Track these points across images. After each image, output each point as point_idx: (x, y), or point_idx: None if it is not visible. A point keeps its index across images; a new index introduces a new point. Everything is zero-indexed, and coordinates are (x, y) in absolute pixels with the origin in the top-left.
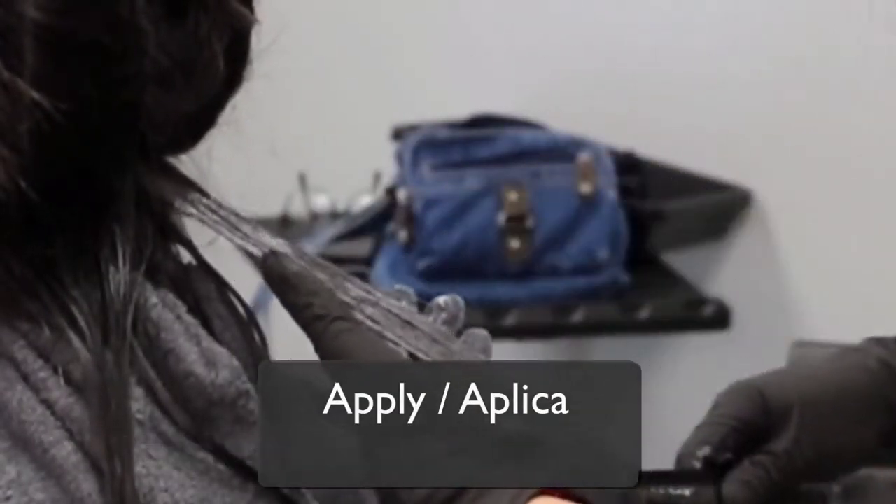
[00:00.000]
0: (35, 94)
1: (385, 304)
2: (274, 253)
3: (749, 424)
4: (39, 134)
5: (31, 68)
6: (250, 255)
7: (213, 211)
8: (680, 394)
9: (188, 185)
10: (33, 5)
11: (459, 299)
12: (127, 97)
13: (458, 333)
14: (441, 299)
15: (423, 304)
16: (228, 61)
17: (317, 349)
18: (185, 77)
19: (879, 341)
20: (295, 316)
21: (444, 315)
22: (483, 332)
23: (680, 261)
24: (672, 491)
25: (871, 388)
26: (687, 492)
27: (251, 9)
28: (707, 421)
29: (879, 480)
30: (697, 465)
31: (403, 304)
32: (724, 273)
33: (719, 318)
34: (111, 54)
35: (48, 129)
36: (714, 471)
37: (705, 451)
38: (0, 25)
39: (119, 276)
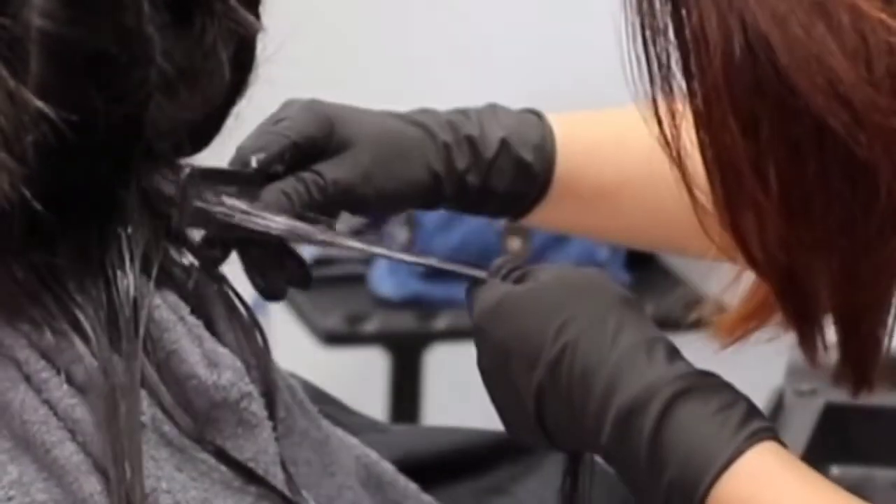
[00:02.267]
0: (40, 104)
1: None
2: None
3: (309, 142)
4: (44, 143)
5: (37, 77)
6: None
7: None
8: None
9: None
10: (39, 14)
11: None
12: (133, 106)
13: None
14: None
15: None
16: (234, 69)
17: None
18: (191, 85)
19: (451, 125)
20: None
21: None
22: None
23: (680, 261)
24: (218, 190)
25: (423, 162)
26: (231, 190)
27: (257, 16)
28: (268, 129)
29: (879, 480)
30: (249, 169)
31: None
32: (723, 273)
33: None
34: (117, 63)
35: (53, 139)
36: (261, 177)
37: (259, 157)
38: (6, 34)
39: (127, 280)
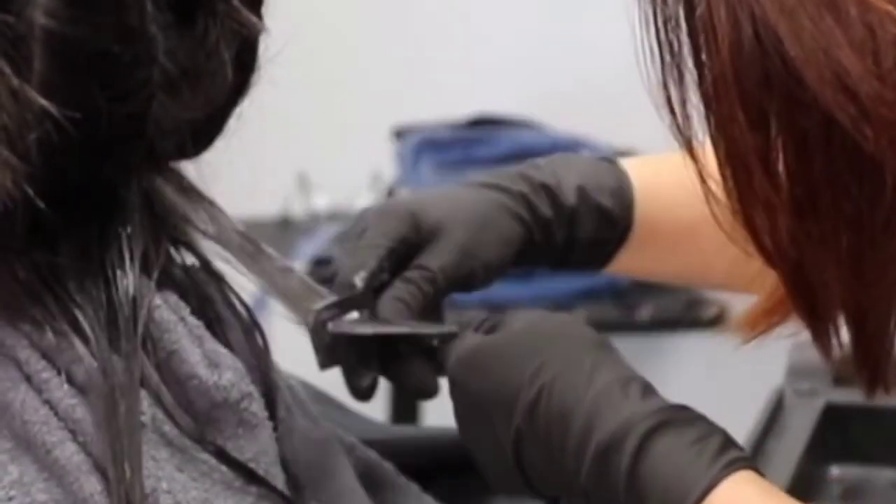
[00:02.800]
0: (43, 102)
1: None
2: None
3: (402, 243)
4: (47, 142)
5: (40, 75)
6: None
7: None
8: (680, 394)
9: (194, 192)
10: (43, 12)
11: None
12: (135, 105)
13: None
14: None
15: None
16: (237, 69)
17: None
18: (194, 85)
19: (523, 176)
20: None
21: None
22: None
23: None
24: (343, 318)
25: (511, 215)
26: (354, 314)
27: (259, 16)
28: (357, 245)
29: (879, 480)
30: (356, 289)
31: None
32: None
33: (719, 318)
34: (120, 62)
35: (56, 137)
36: (373, 294)
37: (362, 275)
38: (9, 33)
39: (127, 280)
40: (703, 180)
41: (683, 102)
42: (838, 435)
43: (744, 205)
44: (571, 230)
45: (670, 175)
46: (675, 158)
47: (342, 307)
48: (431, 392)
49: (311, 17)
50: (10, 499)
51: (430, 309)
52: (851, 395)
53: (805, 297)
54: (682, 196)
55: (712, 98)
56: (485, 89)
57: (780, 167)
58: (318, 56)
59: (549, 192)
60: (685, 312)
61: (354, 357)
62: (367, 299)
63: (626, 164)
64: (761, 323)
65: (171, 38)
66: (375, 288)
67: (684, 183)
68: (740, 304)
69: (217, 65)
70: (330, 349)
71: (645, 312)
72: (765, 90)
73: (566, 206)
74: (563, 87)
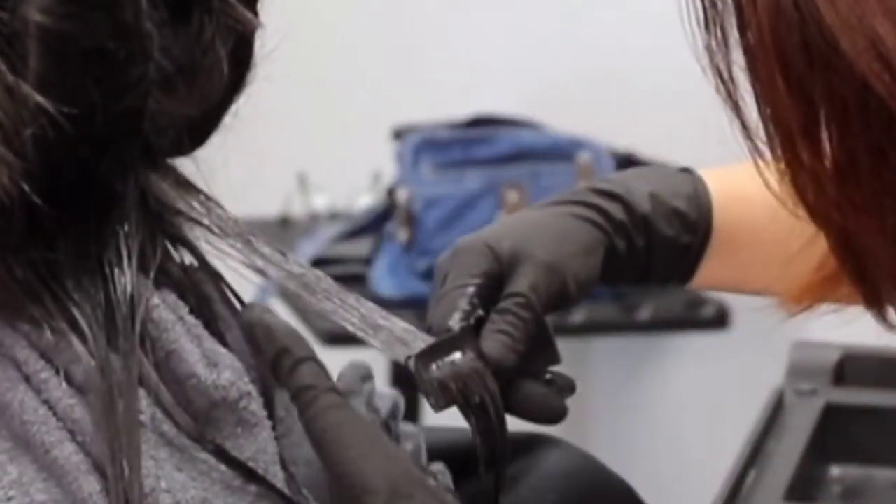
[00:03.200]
0: (39, 98)
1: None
2: (259, 307)
3: (488, 276)
4: (43, 138)
5: (36, 72)
6: (257, 269)
7: (219, 225)
8: (680, 394)
9: (191, 189)
10: (37, 9)
11: (400, 398)
12: (131, 101)
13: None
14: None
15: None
16: (232, 65)
17: (301, 420)
18: (189, 81)
19: (592, 189)
20: (279, 379)
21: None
22: (394, 396)
23: None
24: (446, 359)
25: (588, 222)
26: (457, 355)
27: (255, 13)
28: (442, 291)
29: (879, 480)
30: (453, 332)
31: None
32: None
33: (719, 318)
34: (115, 59)
35: (52, 134)
36: (472, 332)
37: (455, 319)
38: (4, 29)
39: (125, 279)
40: (748, 138)
41: (729, 66)
42: (838, 435)
43: (790, 170)
44: (650, 235)
45: (747, 179)
46: (749, 166)
47: (443, 349)
48: (560, 416)
49: (311, 16)
50: (10, 499)
51: (536, 334)
52: (851, 395)
53: (853, 264)
54: (759, 203)
55: (752, 62)
56: (485, 89)
57: (822, 135)
58: (317, 55)
59: (620, 199)
60: (685, 312)
61: (469, 397)
62: (466, 339)
63: (702, 172)
64: (809, 296)
65: (167, 35)
66: (474, 326)
67: (762, 191)
68: (740, 304)
69: (213, 61)
70: (442, 390)
71: (645, 312)
72: (804, 57)
73: (639, 211)
74: (563, 87)
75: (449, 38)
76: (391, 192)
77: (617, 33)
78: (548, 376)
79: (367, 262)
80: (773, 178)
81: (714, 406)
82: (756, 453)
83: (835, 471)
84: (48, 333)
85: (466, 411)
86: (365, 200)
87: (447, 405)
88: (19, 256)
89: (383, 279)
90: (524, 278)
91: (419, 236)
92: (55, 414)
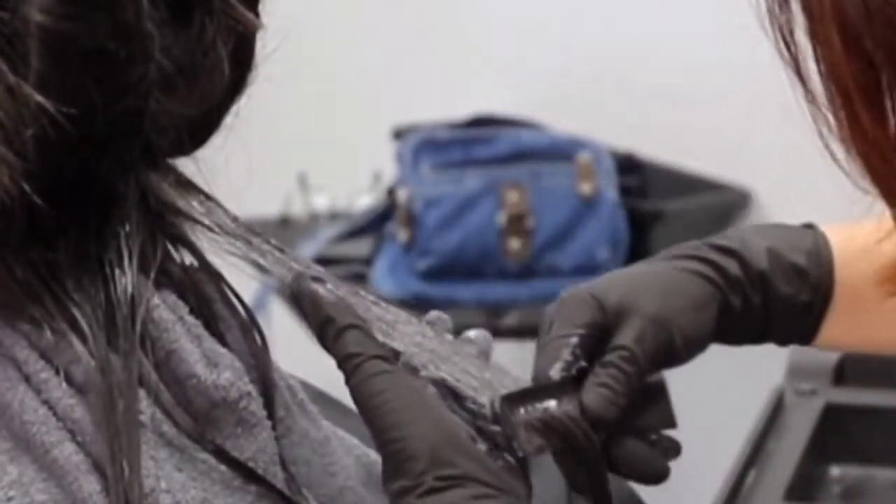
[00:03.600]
0: (40, 98)
1: (419, 338)
2: (309, 277)
3: (592, 327)
4: (44, 138)
5: (37, 72)
6: (258, 266)
7: (219, 224)
8: (680, 394)
9: (192, 189)
10: (38, 9)
11: (489, 336)
12: (132, 102)
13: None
14: (472, 333)
15: (457, 332)
16: (233, 66)
17: (348, 387)
18: (190, 82)
19: (706, 244)
20: (326, 348)
21: (473, 349)
22: (503, 367)
23: None
24: (539, 405)
25: (700, 277)
26: (552, 403)
27: (256, 13)
28: (549, 338)
29: (879, 480)
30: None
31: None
32: None
33: None
34: (116, 59)
35: (53, 134)
36: (573, 382)
37: (557, 368)
38: (6, 29)
39: (125, 279)
40: (811, 102)
41: (791, 28)
42: (838, 435)
43: (852, 136)
44: (767, 292)
45: (873, 236)
46: (868, 223)
47: (536, 395)
48: (661, 478)
49: (311, 17)
50: (10, 499)
51: (646, 390)
52: (851, 395)
53: None
54: (888, 257)
55: (811, 22)
56: (485, 89)
57: (886, 103)
58: (318, 56)
59: (736, 254)
60: None
61: (561, 445)
62: (566, 389)
63: (823, 227)
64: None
65: (168, 35)
66: (576, 378)
67: (891, 245)
68: None
69: (213, 62)
70: (532, 433)
71: None
72: (865, 20)
73: (756, 266)
74: (563, 87)
75: (449, 38)
76: (391, 192)
77: (617, 33)
78: (653, 437)
79: (367, 262)
80: (839, 151)
81: (714, 406)
82: (756, 453)
83: (835, 471)
84: (48, 333)
85: (560, 459)
86: (365, 200)
87: (538, 450)
88: (20, 256)
89: (383, 279)
90: (629, 331)
91: (419, 236)
92: (55, 414)
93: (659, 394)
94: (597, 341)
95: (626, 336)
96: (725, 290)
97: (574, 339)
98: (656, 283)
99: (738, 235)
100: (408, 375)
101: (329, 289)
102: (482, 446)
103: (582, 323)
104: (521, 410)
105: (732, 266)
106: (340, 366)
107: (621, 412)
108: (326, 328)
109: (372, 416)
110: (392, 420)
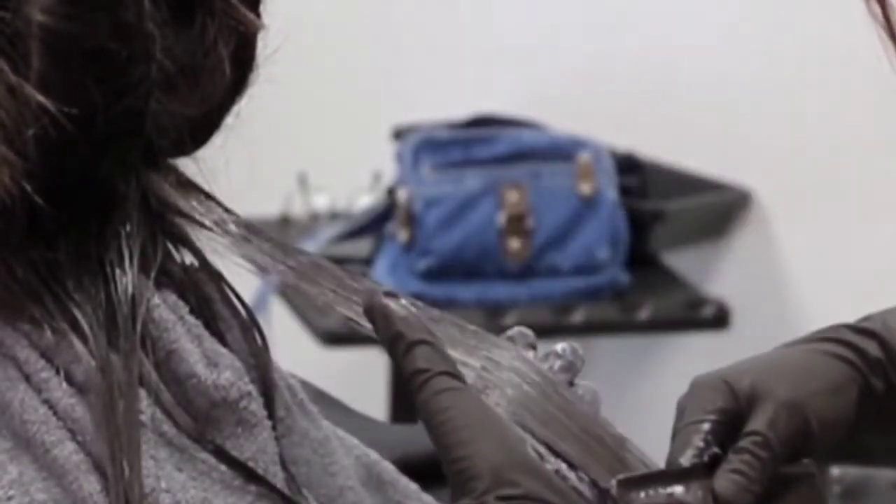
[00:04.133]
0: (41, 98)
1: (497, 356)
2: (385, 293)
3: (725, 413)
4: (45, 138)
5: (38, 72)
6: (259, 266)
7: (220, 224)
8: (680, 394)
9: (192, 189)
10: (40, 9)
11: (578, 349)
12: (133, 102)
13: (570, 384)
14: (559, 347)
15: (534, 345)
16: (234, 66)
17: (415, 403)
18: (191, 82)
19: (844, 325)
20: (396, 363)
21: (560, 362)
22: (592, 386)
23: (680, 261)
24: (662, 490)
25: (837, 358)
26: (679, 489)
27: (258, 14)
28: (680, 425)
29: (879, 480)
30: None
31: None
32: (723, 273)
33: (719, 318)
34: (117, 59)
35: (54, 134)
36: (704, 469)
37: (688, 455)
38: (7, 29)
39: (126, 279)
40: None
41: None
42: None
43: None
44: None
45: None
46: None
47: (660, 480)
48: None
49: (311, 16)
50: (10, 498)
51: (782, 478)
52: None
53: None
54: None
55: None
56: (485, 89)
57: None
58: (318, 56)
59: (876, 336)
60: (685, 312)
61: None
62: (696, 475)
63: None
64: None
65: (169, 36)
66: (707, 465)
67: None
68: (740, 304)
69: (215, 62)
70: None
71: (645, 312)
72: None
73: None
74: (563, 87)
75: (449, 39)
76: (391, 192)
77: (618, 34)
78: None
79: (367, 262)
80: None
81: None
82: None
83: (835, 471)
84: (49, 333)
85: None
86: (365, 200)
87: None
88: (20, 256)
89: (383, 279)
90: (762, 416)
91: (419, 236)
92: (55, 413)
93: (806, 484)
94: (730, 428)
95: (759, 421)
96: (866, 372)
97: (706, 426)
98: (790, 366)
99: (879, 317)
100: (476, 393)
101: (402, 304)
102: (550, 465)
103: (714, 409)
104: (642, 494)
105: (872, 347)
106: (408, 381)
107: (756, 501)
108: (396, 343)
109: (436, 434)
110: (456, 438)
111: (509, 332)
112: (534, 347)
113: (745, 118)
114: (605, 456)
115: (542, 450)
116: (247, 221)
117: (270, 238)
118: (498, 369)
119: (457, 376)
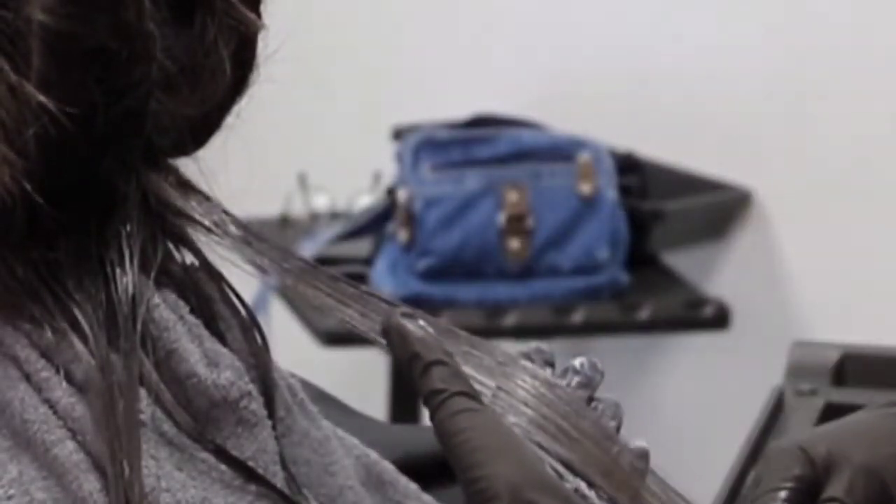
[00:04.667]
0: (42, 98)
1: (514, 377)
2: (403, 313)
3: (802, 481)
4: (46, 138)
5: (38, 72)
6: (258, 266)
7: (219, 224)
8: (680, 394)
9: (192, 189)
10: (40, 9)
11: (597, 363)
12: (133, 101)
13: (590, 399)
14: (577, 362)
15: (551, 362)
16: (235, 66)
17: (433, 424)
18: (191, 82)
19: None
20: (414, 384)
21: (578, 378)
22: (614, 399)
23: (680, 261)
24: None
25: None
26: None
27: (258, 13)
28: (757, 493)
29: None
30: None
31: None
32: (723, 273)
33: (719, 318)
34: (118, 59)
35: (54, 133)
36: None
37: None
38: (7, 29)
39: (126, 278)
40: None
41: None
42: None
43: None
44: None
45: None
46: None
47: None
48: None
49: (311, 16)
50: (10, 497)
51: None
52: (851, 395)
53: None
54: None
55: None
56: (485, 89)
57: None
58: (318, 56)
59: None
60: (685, 312)
61: None
62: None
63: None
64: None
65: (169, 35)
66: None
67: None
68: (740, 304)
69: (215, 62)
70: None
71: (645, 312)
72: None
73: None
74: (563, 87)
75: (449, 39)
76: (391, 192)
77: (618, 34)
78: None
79: (367, 262)
80: None
81: (714, 406)
82: (756, 453)
83: None
84: (49, 333)
85: None
86: (365, 200)
87: None
88: (20, 256)
89: (383, 279)
90: (840, 482)
91: (419, 236)
92: (55, 413)
93: None
94: (807, 496)
95: (836, 488)
96: None
97: (783, 493)
98: (866, 431)
99: None
100: (493, 413)
101: (420, 325)
102: (570, 484)
103: (791, 476)
104: None
105: None
106: (425, 402)
107: None
108: (413, 364)
109: (454, 455)
110: (473, 459)
111: (525, 350)
112: (551, 365)
113: (745, 118)
114: (623, 476)
115: (561, 468)
116: (245, 223)
117: (268, 241)
118: (515, 388)
119: (474, 396)
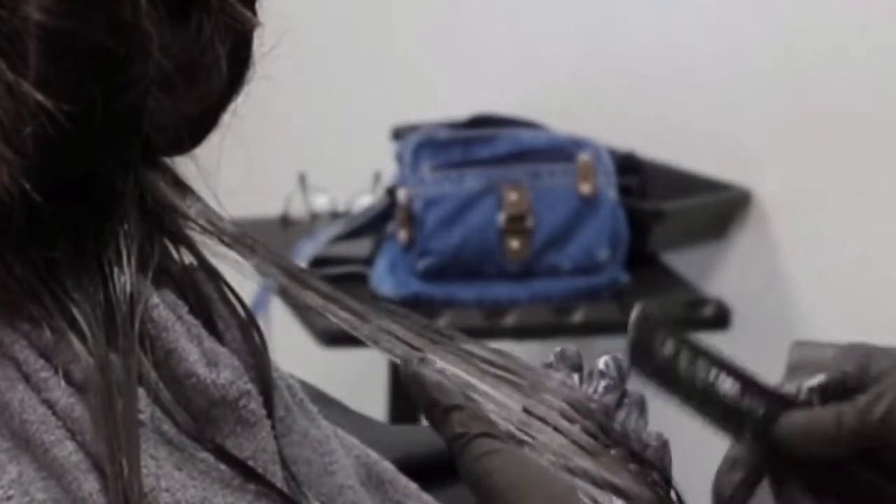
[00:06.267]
0: (39, 96)
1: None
2: (419, 359)
3: (851, 378)
4: (43, 136)
5: (35, 70)
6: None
7: (212, 224)
8: None
9: (186, 189)
10: (37, 7)
11: (621, 360)
12: (130, 99)
13: (620, 399)
14: (602, 362)
15: (578, 365)
16: (231, 64)
17: (458, 469)
18: (188, 80)
19: None
20: (435, 429)
21: (604, 382)
22: (640, 394)
23: (680, 261)
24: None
25: None
26: (761, 411)
27: (254, 11)
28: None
29: None
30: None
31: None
32: (723, 273)
33: (719, 318)
34: (114, 57)
35: (52, 132)
36: (785, 401)
37: (811, 385)
38: (4, 28)
39: (125, 278)
40: None
41: None
42: None
43: None
44: None
45: None
46: None
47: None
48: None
49: (311, 16)
50: (9, 498)
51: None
52: None
53: None
54: None
55: None
56: (485, 89)
57: None
58: (317, 55)
59: None
60: (685, 312)
61: None
62: (784, 402)
63: None
64: None
65: (166, 33)
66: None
67: None
68: (740, 304)
69: (211, 60)
70: None
71: None
72: None
73: None
74: (563, 87)
75: (449, 38)
76: (391, 192)
77: (618, 33)
78: None
79: (367, 262)
80: None
81: None
82: None
83: None
84: (47, 332)
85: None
86: (365, 200)
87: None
88: (19, 255)
89: (383, 279)
90: (871, 394)
91: (419, 236)
92: (54, 413)
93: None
94: (844, 394)
95: (866, 396)
96: None
97: (831, 375)
98: None
99: None
100: (516, 449)
101: (436, 368)
102: None
103: (847, 371)
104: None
105: None
106: (448, 448)
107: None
108: (433, 411)
109: (485, 500)
110: (504, 501)
111: (551, 357)
112: (579, 368)
113: (745, 118)
114: (647, 495)
115: (592, 490)
116: (241, 226)
117: (262, 244)
118: (541, 408)
119: (495, 436)
